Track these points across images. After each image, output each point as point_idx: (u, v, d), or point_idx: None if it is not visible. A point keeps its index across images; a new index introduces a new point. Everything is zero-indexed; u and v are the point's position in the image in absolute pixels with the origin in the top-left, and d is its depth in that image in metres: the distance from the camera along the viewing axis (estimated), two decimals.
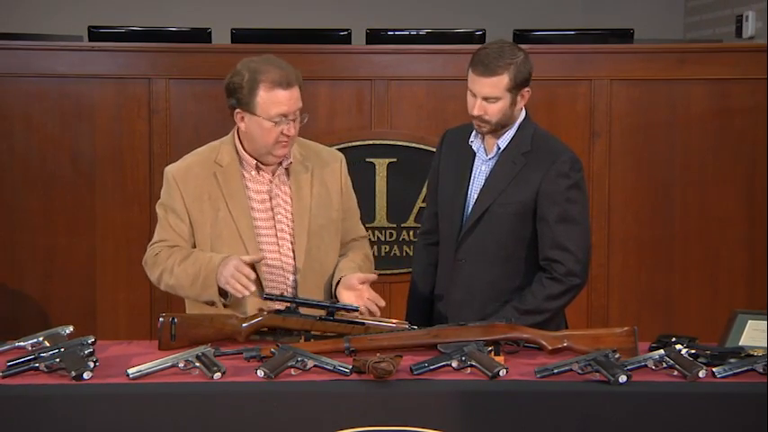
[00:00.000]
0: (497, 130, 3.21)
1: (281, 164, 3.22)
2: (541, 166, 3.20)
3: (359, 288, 3.12)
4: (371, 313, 3.08)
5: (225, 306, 3.11)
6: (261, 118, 3.10)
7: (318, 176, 3.27)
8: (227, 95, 3.16)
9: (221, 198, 3.18)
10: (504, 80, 3.14)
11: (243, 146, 3.20)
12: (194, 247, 3.20)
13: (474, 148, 3.30)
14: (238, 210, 3.18)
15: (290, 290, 3.19)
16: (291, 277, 3.21)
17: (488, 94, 3.15)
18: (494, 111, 3.16)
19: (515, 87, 3.16)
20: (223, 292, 3.08)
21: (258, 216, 3.20)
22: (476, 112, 3.17)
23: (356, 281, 3.13)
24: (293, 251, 3.21)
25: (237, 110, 3.14)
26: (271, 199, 3.22)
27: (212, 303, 3.12)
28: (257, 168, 3.21)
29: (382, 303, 3.11)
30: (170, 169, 3.25)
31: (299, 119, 3.15)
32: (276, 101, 3.09)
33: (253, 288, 3.03)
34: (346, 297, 3.13)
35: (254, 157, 3.19)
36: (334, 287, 3.21)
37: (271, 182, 3.22)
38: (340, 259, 3.28)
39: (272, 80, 3.08)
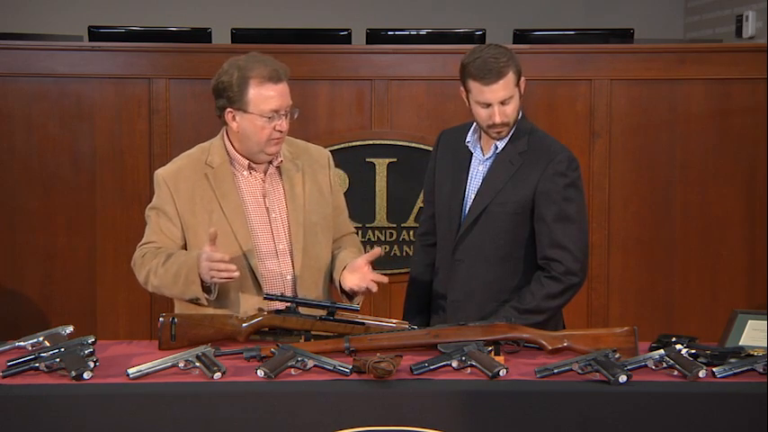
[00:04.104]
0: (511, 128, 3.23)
1: (271, 163, 3.22)
2: (538, 165, 3.21)
3: (364, 269, 3.12)
4: (370, 291, 3.10)
5: (208, 303, 3.10)
6: (254, 115, 3.10)
7: (310, 174, 3.27)
8: (216, 96, 3.16)
9: (214, 200, 3.17)
10: (511, 77, 3.15)
11: (234, 146, 3.20)
12: (185, 249, 3.18)
13: (471, 149, 3.30)
14: (232, 210, 3.17)
15: (288, 288, 3.19)
16: (289, 276, 3.20)
17: (504, 97, 3.15)
18: (511, 111, 3.18)
19: (518, 81, 3.19)
20: (206, 289, 3.07)
21: (253, 216, 3.20)
22: (498, 120, 3.16)
23: (362, 261, 3.13)
24: (290, 250, 3.21)
25: (229, 109, 3.14)
26: (265, 198, 3.21)
27: (197, 301, 3.10)
28: (249, 168, 3.21)
29: (385, 280, 3.11)
30: (160, 172, 3.23)
31: (290, 114, 3.16)
32: (268, 96, 3.10)
33: (233, 268, 2.99)
34: (350, 279, 3.13)
35: (245, 156, 3.19)
36: (338, 276, 3.20)
37: (264, 181, 3.22)
38: (337, 253, 3.29)
39: (262, 76, 3.09)
